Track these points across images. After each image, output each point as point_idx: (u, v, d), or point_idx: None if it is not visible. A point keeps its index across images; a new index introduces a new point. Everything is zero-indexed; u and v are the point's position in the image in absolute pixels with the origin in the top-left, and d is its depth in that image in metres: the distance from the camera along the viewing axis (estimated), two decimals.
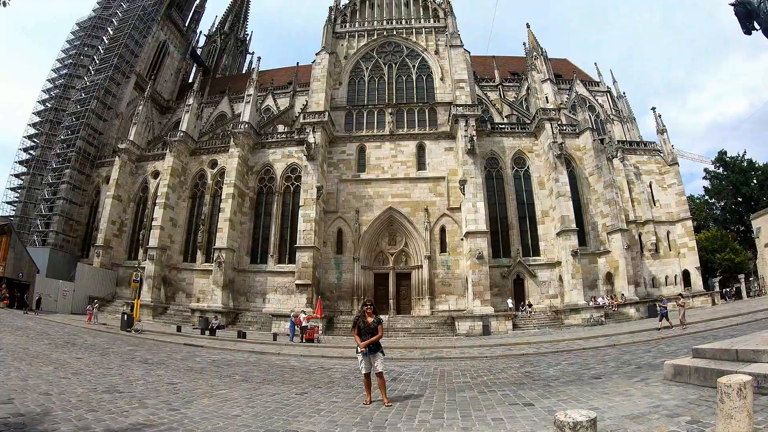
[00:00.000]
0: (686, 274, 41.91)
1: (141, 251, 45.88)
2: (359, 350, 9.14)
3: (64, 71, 59.21)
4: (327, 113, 43.76)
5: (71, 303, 40.46)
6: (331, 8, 52.46)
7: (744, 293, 48.30)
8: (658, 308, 26.58)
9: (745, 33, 10.07)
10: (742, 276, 51.40)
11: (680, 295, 28.24)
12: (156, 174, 48.64)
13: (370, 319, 9.39)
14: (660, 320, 24.85)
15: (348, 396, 10.39)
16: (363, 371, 9.25)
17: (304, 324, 29.27)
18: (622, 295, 37.42)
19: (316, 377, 13.93)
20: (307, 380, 13.25)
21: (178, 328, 33.01)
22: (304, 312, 32.33)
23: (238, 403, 9.34)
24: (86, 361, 14.73)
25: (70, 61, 59.46)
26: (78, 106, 54.14)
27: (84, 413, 7.64)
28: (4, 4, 9.24)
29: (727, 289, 48.65)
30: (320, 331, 31.06)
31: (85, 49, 59.70)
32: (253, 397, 10.15)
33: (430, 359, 18.98)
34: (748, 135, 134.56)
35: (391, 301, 40.54)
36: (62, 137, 52.90)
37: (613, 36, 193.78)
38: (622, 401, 7.92)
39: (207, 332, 31.21)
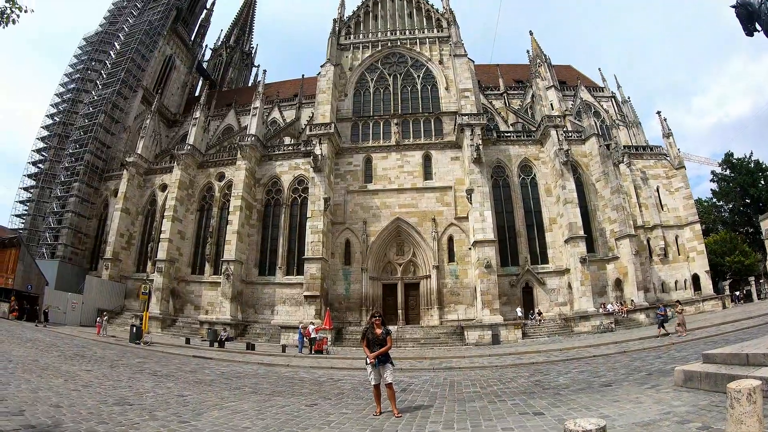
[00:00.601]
0: (696, 278, 41.71)
1: (149, 264, 46.08)
2: (368, 361, 9.14)
3: (72, 85, 59.94)
4: (333, 125, 43.96)
5: (80, 315, 40.51)
6: (335, 20, 52.87)
7: (755, 296, 47.98)
8: (657, 315, 26.60)
9: (747, 34, 10.09)
10: (752, 278, 51.14)
11: (677, 302, 28.24)
12: (164, 187, 48.92)
13: (378, 331, 9.40)
14: (659, 327, 24.95)
15: (358, 407, 10.38)
16: (372, 382, 9.24)
17: (313, 335, 29.24)
18: (632, 301, 37.22)
19: (325, 389, 13.92)
20: (316, 392, 13.24)
21: (187, 341, 33.02)
22: (312, 323, 32.26)
23: (248, 415, 9.34)
24: (96, 373, 14.75)
25: (78, 75, 60.21)
26: (86, 120, 54.66)
27: (95, 425, 7.67)
28: (14, 22, 9.37)
29: (737, 293, 48.32)
30: (329, 343, 31.08)
31: (93, 63, 60.40)
32: (263, 409, 10.15)
33: (439, 369, 18.95)
34: (754, 136, 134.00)
35: (399, 312, 40.44)
36: (70, 151, 53.36)
37: (615, 41, 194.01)
38: (632, 408, 7.89)
39: (216, 344, 31.21)
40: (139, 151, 51.05)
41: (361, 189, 43.88)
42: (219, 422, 8.58)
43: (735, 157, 66.66)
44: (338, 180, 44.14)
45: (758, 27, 9.72)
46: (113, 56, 59.75)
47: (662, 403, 7.96)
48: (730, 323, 24.96)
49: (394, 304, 40.89)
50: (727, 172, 67.10)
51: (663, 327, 24.63)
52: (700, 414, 6.73)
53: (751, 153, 66.63)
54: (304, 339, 29.59)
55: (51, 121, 58.09)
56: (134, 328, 29.91)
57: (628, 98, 57.57)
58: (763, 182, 63.30)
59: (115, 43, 61.20)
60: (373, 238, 41.90)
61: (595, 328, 34.08)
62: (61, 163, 53.60)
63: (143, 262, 48.06)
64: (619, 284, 39.19)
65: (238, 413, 9.60)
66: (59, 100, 59.58)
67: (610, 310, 36.44)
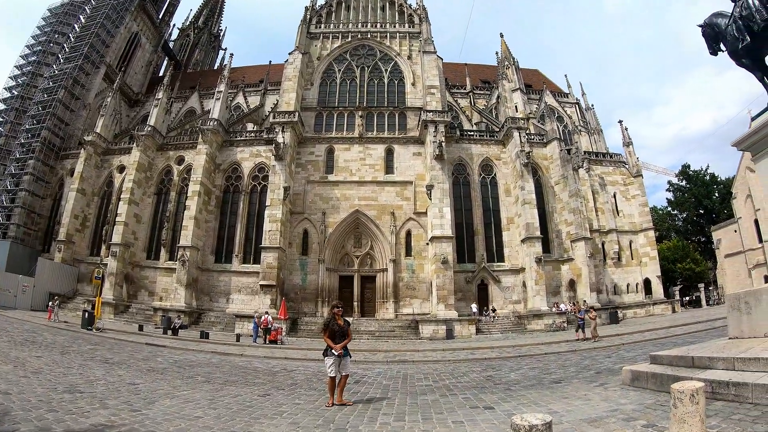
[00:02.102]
0: (647, 283, 42.89)
1: (104, 247, 44.68)
2: (333, 352, 9.13)
3: (33, 58, 57.50)
4: (297, 113, 43.53)
5: (31, 299, 39.16)
6: (306, 8, 52.34)
7: (704, 302, 49.58)
8: (576, 319, 27.31)
9: (711, 54, 10.32)
10: (702, 285, 52.87)
11: (591, 308, 29.17)
12: (122, 168, 47.56)
13: (341, 322, 9.43)
14: (576, 331, 25.73)
15: (310, 398, 10.40)
16: (331, 374, 9.21)
17: (269, 325, 29.11)
18: (585, 301, 37.78)
19: (279, 379, 13.90)
20: (269, 382, 13.22)
21: (140, 327, 32.51)
22: (267, 313, 32.15)
23: (200, 405, 9.28)
24: (46, 359, 14.46)
25: (40, 48, 57.83)
26: (45, 95, 52.68)
27: (44, 413, 7.53)
28: None
29: (687, 298, 49.85)
30: (284, 333, 30.91)
31: (56, 36, 58.19)
32: (216, 399, 10.09)
33: (393, 362, 19.07)
34: (712, 149, 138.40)
35: (355, 304, 40.44)
36: (27, 126, 51.26)
37: (584, 50, 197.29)
38: (580, 405, 8.11)
39: (169, 332, 30.72)
40: (98, 130, 49.39)
41: (322, 179, 43.61)
42: (171, 411, 8.50)
43: (692, 169, 69.07)
44: (299, 169, 43.76)
45: (723, 47, 9.98)
46: (77, 30, 57.77)
47: (610, 400, 8.19)
48: (679, 326, 25.74)
49: (350, 296, 40.75)
50: (683, 182, 69.29)
51: (582, 331, 25.33)
52: (645, 412, 6.95)
53: (708, 166, 69.47)
54: (259, 328, 29.47)
55: (9, 95, 55.79)
56: (86, 314, 29.28)
57: (592, 105, 58.77)
58: (717, 194, 65.49)
59: (81, 17, 59.14)
60: (331, 230, 41.77)
61: (548, 326, 34.82)
62: (17, 138, 51.58)
63: (97, 245, 46.63)
64: (572, 285, 40.00)
65: (191, 402, 9.53)
66: (19, 72, 57.19)
67: (563, 309, 37.20)
